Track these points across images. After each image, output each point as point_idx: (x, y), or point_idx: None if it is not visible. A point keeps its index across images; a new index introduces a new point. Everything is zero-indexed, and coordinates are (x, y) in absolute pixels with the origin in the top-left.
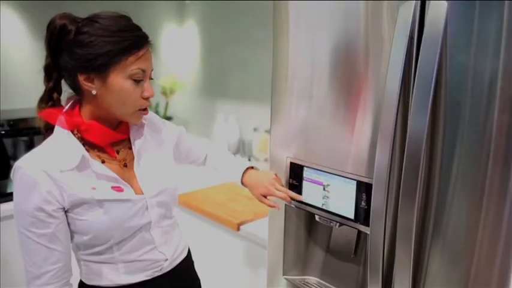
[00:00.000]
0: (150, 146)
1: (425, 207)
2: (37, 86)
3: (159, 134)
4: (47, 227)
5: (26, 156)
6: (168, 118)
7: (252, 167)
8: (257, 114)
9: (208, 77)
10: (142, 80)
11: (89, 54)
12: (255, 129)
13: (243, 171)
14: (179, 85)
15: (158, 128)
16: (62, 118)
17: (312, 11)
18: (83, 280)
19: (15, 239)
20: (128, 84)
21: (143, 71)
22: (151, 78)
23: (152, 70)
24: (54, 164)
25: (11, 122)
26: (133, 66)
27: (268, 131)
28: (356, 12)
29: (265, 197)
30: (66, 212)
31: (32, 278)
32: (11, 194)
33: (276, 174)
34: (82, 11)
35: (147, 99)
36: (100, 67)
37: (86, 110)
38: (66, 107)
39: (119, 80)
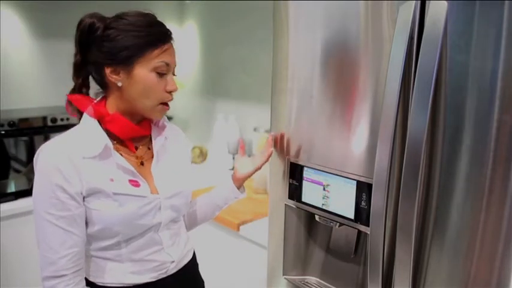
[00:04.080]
0: (169, 148)
1: (425, 207)
2: (37, 86)
3: (179, 142)
4: (67, 210)
5: (50, 140)
6: (168, 118)
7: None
8: (257, 114)
9: (208, 77)
10: (165, 74)
11: (115, 48)
12: (255, 129)
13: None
14: (179, 85)
15: (178, 136)
16: (90, 108)
17: (312, 11)
18: (88, 277)
19: (15, 239)
20: (151, 77)
21: (167, 64)
22: (175, 75)
23: (175, 66)
24: (77, 150)
25: (11, 122)
26: (157, 59)
27: (268, 131)
28: (356, 12)
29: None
30: (83, 198)
31: (47, 263)
32: (12, 194)
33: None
34: (81, 11)
35: (170, 93)
36: (126, 59)
37: (111, 103)
38: (97, 100)
39: (143, 72)
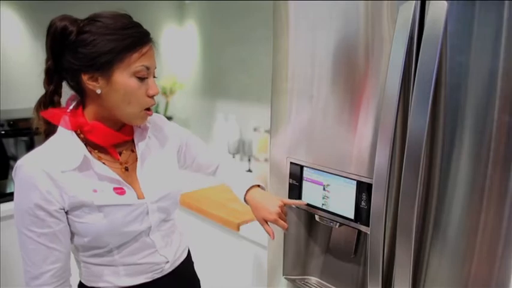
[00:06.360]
0: (153, 149)
1: (425, 207)
2: (37, 86)
3: (163, 136)
4: (48, 227)
5: (27, 155)
6: (168, 118)
7: (259, 186)
8: (257, 114)
9: (208, 77)
10: (146, 78)
11: (92, 53)
12: (255, 129)
13: (247, 187)
14: (179, 85)
15: (162, 129)
16: (66, 118)
17: (312, 11)
18: (83, 281)
19: (15, 239)
20: (132, 82)
21: (147, 68)
22: (155, 77)
23: (155, 68)
24: (55, 164)
25: (11, 122)
26: (137, 63)
27: (268, 131)
28: (356, 12)
29: (265, 221)
30: (66, 213)
31: (30, 278)
32: (11, 194)
33: (282, 201)
34: (82, 11)
35: (152, 97)
36: (104, 65)
37: (90, 111)
38: (70, 108)
39: (123, 77)
